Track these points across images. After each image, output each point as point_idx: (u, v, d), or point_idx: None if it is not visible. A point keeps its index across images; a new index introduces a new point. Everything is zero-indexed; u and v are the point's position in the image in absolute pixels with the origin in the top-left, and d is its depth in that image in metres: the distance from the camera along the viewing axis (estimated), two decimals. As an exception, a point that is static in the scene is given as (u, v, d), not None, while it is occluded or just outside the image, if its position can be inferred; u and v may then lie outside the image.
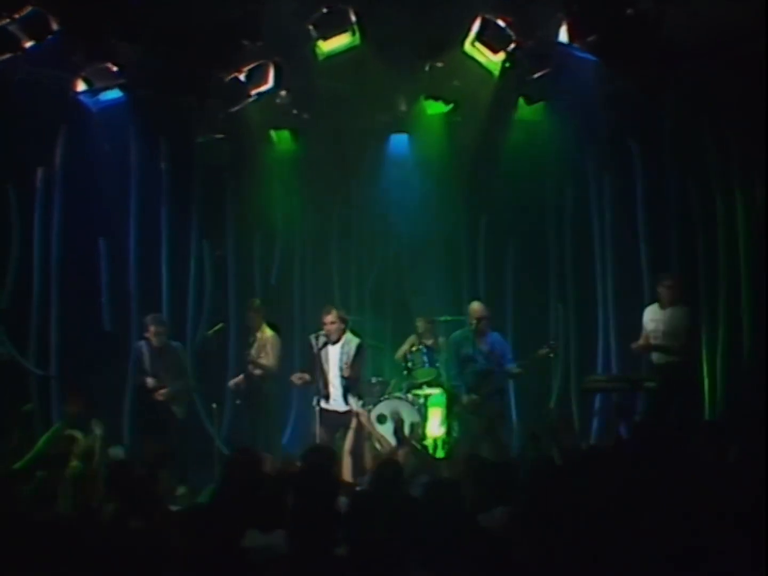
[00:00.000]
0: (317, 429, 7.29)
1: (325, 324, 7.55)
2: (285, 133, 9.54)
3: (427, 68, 8.92)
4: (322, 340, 7.53)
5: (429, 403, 8.84)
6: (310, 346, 7.78)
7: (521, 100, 8.99)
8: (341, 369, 7.57)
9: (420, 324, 9.18)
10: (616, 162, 9.43)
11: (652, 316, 8.03)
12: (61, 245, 9.07)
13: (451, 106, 9.25)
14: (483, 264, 9.96)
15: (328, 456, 5.40)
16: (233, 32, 7.40)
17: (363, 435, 7.08)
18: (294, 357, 9.22)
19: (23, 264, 8.90)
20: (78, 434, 6.84)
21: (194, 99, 8.26)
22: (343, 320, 7.62)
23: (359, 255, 10.13)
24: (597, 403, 8.98)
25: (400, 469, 5.22)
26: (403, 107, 9.66)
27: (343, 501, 5.02)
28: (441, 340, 9.23)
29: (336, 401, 7.60)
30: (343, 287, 10.07)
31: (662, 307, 7.99)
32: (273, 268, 10.01)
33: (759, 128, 8.14)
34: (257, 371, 8.30)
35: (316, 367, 7.59)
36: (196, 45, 7.60)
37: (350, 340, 7.66)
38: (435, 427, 8.82)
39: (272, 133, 9.54)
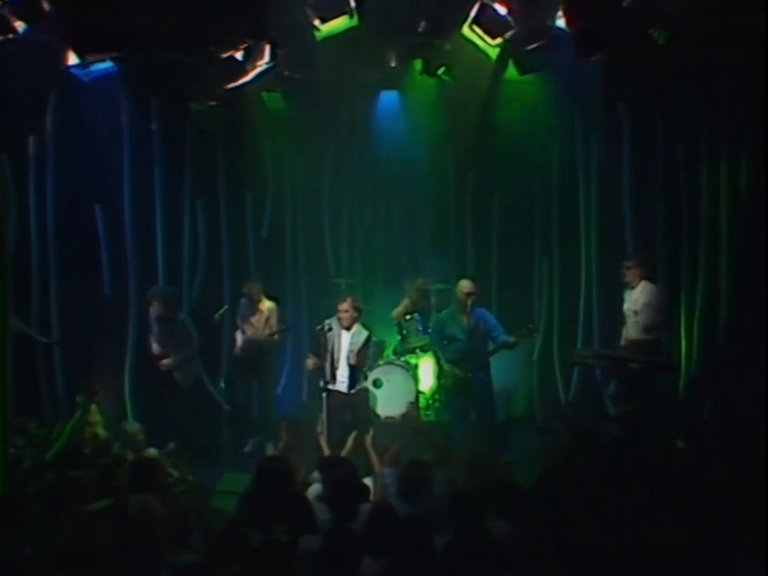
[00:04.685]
0: (323, 412, 7.59)
1: (339, 311, 7.81)
2: (277, 95, 9.54)
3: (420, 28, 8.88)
4: (334, 326, 7.80)
5: (421, 358, 9.31)
6: (320, 333, 7.94)
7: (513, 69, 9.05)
8: (349, 355, 7.85)
9: (413, 289, 9.50)
10: (604, 122, 9.56)
11: (625, 297, 8.33)
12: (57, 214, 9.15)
13: (442, 69, 9.27)
14: (470, 220, 10.19)
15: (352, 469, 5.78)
16: (231, 19, 7.29)
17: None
18: (287, 312, 9.59)
19: (21, 233, 8.95)
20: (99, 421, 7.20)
21: (190, 72, 8.16)
22: (357, 309, 7.87)
23: (350, 212, 10.29)
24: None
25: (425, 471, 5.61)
26: (393, 63, 9.63)
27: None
28: (434, 300, 9.61)
29: (343, 383, 7.90)
30: (334, 245, 10.32)
31: (630, 287, 8.27)
32: (264, 224, 10.21)
33: (749, 98, 8.33)
34: (264, 340, 8.67)
35: (325, 350, 7.85)
36: (194, 22, 7.47)
37: (361, 331, 7.94)
38: (427, 379, 9.30)
39: (264, 95, 9.53)
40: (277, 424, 7.88)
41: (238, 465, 7.81)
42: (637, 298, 8.23)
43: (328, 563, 4.59)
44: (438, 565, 4.64)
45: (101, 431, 7.32)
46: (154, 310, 8.43)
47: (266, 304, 8.75)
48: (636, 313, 8.18)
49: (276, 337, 8.70)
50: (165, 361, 8.40)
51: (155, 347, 8.50)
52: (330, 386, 7.84)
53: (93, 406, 7.36)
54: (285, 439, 6.62)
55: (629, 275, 8.25)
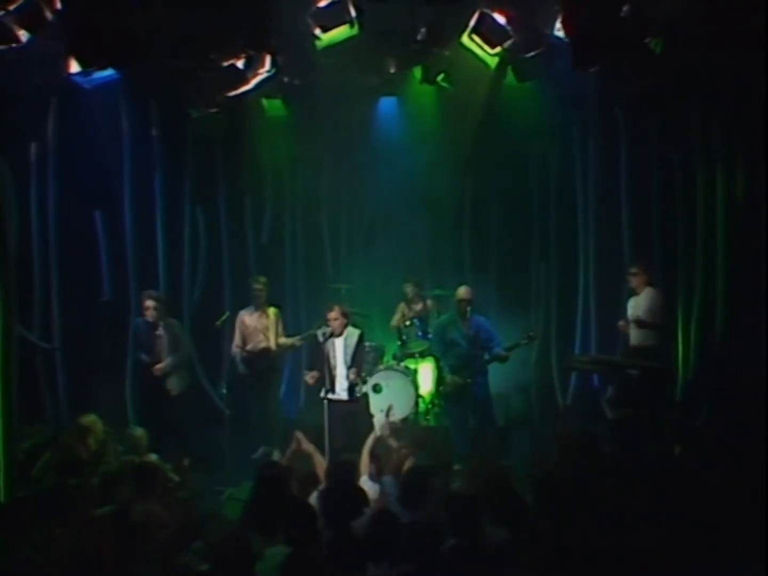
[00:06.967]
0: (325, 421, 7.61)
1: (329, 320, 7.89)
2: (277, 102, 9.62)
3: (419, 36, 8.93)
4: (327, 333, 7.88)
5: (420, 363, 9.35)
6: (317, 341, 8.07)
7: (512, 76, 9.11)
8: (346, 362, 7.91)
9: (408, 290, 9.58)
10: (602, 128, 9.66)
11: (631, 303, 8.49)
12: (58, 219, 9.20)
13: (441, 76, 9.32)
14: (468, 225, 10.29)
15: (351, 471, 5.84)
16: (232, 27, 7.34)
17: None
18: (287, 316, 9.63)
19: (23, 239, 8.95)
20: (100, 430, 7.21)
21: (190, 78, 8.22)
22: (345, 315, 7.95)
23: (349, 218, 10.38)
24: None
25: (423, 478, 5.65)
26: (392, 70, 9.67)
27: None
28: (429, 302, 9.68)
29: (343, 392, 7.97)
30: (333, 250, 10.41)
31: (635, 294, 8.43)
32: (264, 229, 10.28)
33: (747, 104, 8.40)
34: (265, 348, 8.75)
35: (322, 360, 7.92)
36: (195, 30, 7.52)
37: (352, 333, 8.02)
38: (426, 384, 9.34)
39: (264, 101, 9.61)
40: (283, 432, 7.97)
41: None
42: (640, 304, 8.37)
43: (330, 569, 4.63)
44: (440, 570, 4.67)
45: (103, 437, 7.31)
46: (148, 312, 8.36)
47: (272, 310, 8.81)
48: (640, 318, 8.29)
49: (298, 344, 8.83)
50: (158, 366, 8.32)
51: (144, 357, 8.41)
52: (330, 395, 7.88)
53: (93, 417, 7.34)
54: (294, 447, 6.62)
55: (634, 282, 8.40)
